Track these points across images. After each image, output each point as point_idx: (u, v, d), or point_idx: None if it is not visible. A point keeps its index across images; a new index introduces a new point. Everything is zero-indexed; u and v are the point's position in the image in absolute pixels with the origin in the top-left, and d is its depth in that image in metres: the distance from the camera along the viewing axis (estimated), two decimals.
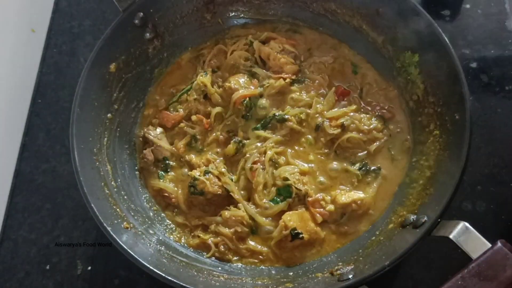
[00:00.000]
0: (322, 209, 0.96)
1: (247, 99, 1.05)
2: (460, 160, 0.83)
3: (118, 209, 0.94)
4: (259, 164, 1.00)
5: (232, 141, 1.04)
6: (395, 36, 1.02)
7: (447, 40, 0.91)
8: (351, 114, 1.03)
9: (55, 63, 1.27)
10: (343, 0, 1.07)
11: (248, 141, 1.04)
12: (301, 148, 1.03)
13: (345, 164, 1.00)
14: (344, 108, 1.04)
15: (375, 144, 1.01)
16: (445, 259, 0.92)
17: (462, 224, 0.74)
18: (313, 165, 1.01)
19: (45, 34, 1.30)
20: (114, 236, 0.85)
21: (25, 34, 1.26)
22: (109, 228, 0.85)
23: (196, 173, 0.99)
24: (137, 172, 1.06)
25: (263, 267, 0.95)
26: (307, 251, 0.94)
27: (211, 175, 0.99)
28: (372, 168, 1.00)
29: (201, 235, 0.98)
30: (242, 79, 1.08)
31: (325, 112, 1.04)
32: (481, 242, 0.72)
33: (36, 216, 1.08)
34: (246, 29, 1.18)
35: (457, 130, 0.86)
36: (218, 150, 1.06)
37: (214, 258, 0.96)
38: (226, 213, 0.96)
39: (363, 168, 0.99)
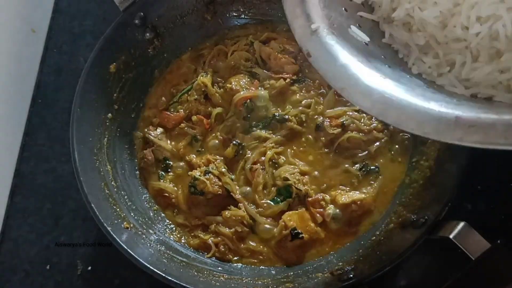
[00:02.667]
0: (322, 209, 0.96)
1: (248, 100, 1.05)
2: (460, 160, 0.83)
3: (118, 209, 0.94)
4: (259, 164, 1.00)
5: (231, 143, 1.03)
6: None
7: None
8: (351, 113, 1.03)
9: (55, 63, 1.26)
10: None
11: (247, 142, 1.04)
12: (301, 148, 1.03)
13: (346, 165, 1.00)
14: (344, 107, 1.04)
15: (375, 144, 1.01)
16: (445, 259, 0.92)
17: (462, 224, 0.74)
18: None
19: (45, 34, 1.30)
20: (114, 236, 0.85)
21: (25, 34, 1.26)
22: (109, 228, 0.86)
23: (196, 173, 0.99)
24: (137, 172, 1.06)
25: (263, 267, 0.94)
26: (307, 251, 0.94)
27: (211, 175, 0.99)
28: (372, 168, 0.99)
29: (201, 235, 0.98)
30: (243, 80, 1.08)
31: (326, 111, 1.04)
32: (481, 242, 0.72)
33: (36, 216, 1.08)
34: (246, 29, 1.18)
35: None
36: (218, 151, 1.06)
37: (214, 258, 0.96)
38: (227, 213, 0.97)
39: (363, 169, 0.99)
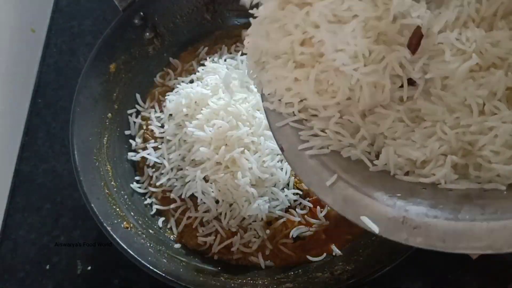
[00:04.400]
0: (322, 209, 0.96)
1: None
2: None
3: (118, 209, 0.94)
4: None
5: None
6: None
7: None
8: None
9: (55, 63, 1.26)
10: None
11: None
12: None
13: None
14: None
15: None
16: (445, 259, 0.92)
17: None
18: None
19: (45, 33, 1.30)
20: (114, 236, 0.85)
21: (25, 34, 1.26)
22: (109, 228, 0.86)
23: None
24: (137, 172, 1.06)
25: (263, 267, 0.94)
26: (307, 252, 0.94)
27: None
28: None
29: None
30: None
31: None
32: None
33: (36, 216, 1.08)
34: (246, 29, 1.17)
35: None
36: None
37: (214, 258, 0.96)
38: None
39: None
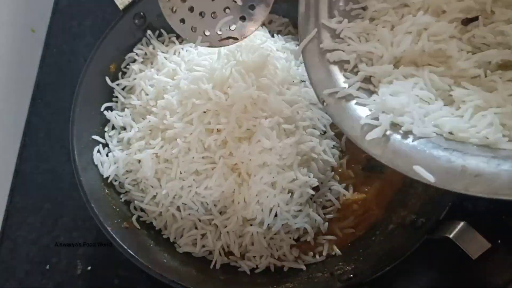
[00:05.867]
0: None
1: None
2: None
3: (118, 209, 0.94)
4: None
5: None
6: None
7: None
8: None
9: (55, 63, 1.26)
10: None
11: None
12: None
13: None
14: None
15: None
16: (445, 259, 0.92)
17: (462, 224, 0.74)
18: None
19: (45, 33, 1.30)
20: (114, 236, 0.85)
21: (24, 34, 1.26)
22: (109, 228, 0.86)
23: None
24: None
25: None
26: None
27: None
28: (375, 167, 0.99)
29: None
30: None
31: None
32: (481, 242, 0.72)
33: (36, 216, 1.08)
34: None
35: None
36: None
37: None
38: None
39: (365, 168, 0.99)
